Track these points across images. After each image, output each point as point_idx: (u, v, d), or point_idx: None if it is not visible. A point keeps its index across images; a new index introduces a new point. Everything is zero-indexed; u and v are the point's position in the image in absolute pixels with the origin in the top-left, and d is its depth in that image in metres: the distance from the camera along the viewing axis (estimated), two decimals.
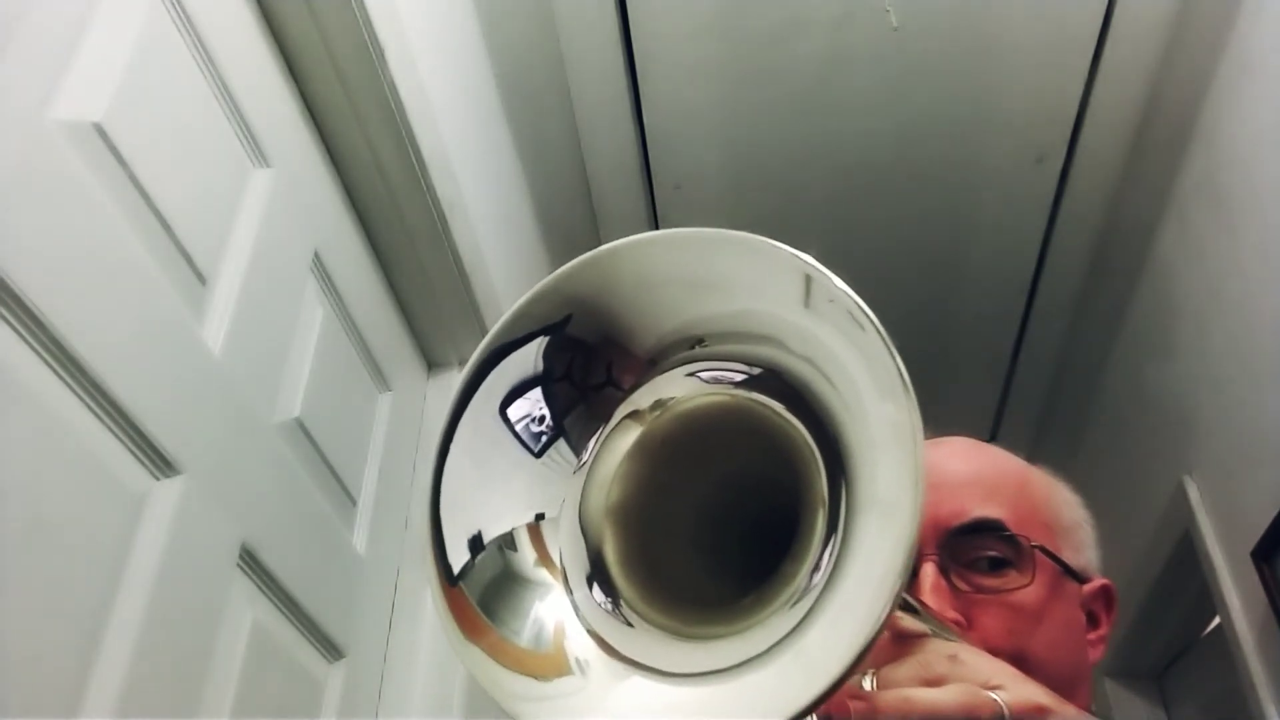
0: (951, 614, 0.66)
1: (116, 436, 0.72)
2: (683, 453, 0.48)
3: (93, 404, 0.69)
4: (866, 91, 1.78)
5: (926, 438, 0.38)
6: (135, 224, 0.76)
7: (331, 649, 1.05)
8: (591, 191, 1.96)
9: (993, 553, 0.70)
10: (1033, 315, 2.24)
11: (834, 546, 0.40)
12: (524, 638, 0.44)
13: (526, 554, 0.46)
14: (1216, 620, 1.86)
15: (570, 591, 0.45)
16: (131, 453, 0.73)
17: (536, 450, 0.47)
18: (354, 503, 1.16)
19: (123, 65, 0.76)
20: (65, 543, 0.65)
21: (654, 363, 0.47)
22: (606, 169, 1.92)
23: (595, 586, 0.46)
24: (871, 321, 0.39)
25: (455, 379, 1.46)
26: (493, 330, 0.46)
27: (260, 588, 0.91)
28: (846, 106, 1.81)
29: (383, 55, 1.08)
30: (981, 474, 0.74)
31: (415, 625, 1.21)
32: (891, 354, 0.38)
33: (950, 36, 1.69)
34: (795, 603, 0.40)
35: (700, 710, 0.40)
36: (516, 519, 0.46)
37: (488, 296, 1.41)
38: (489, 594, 0.45)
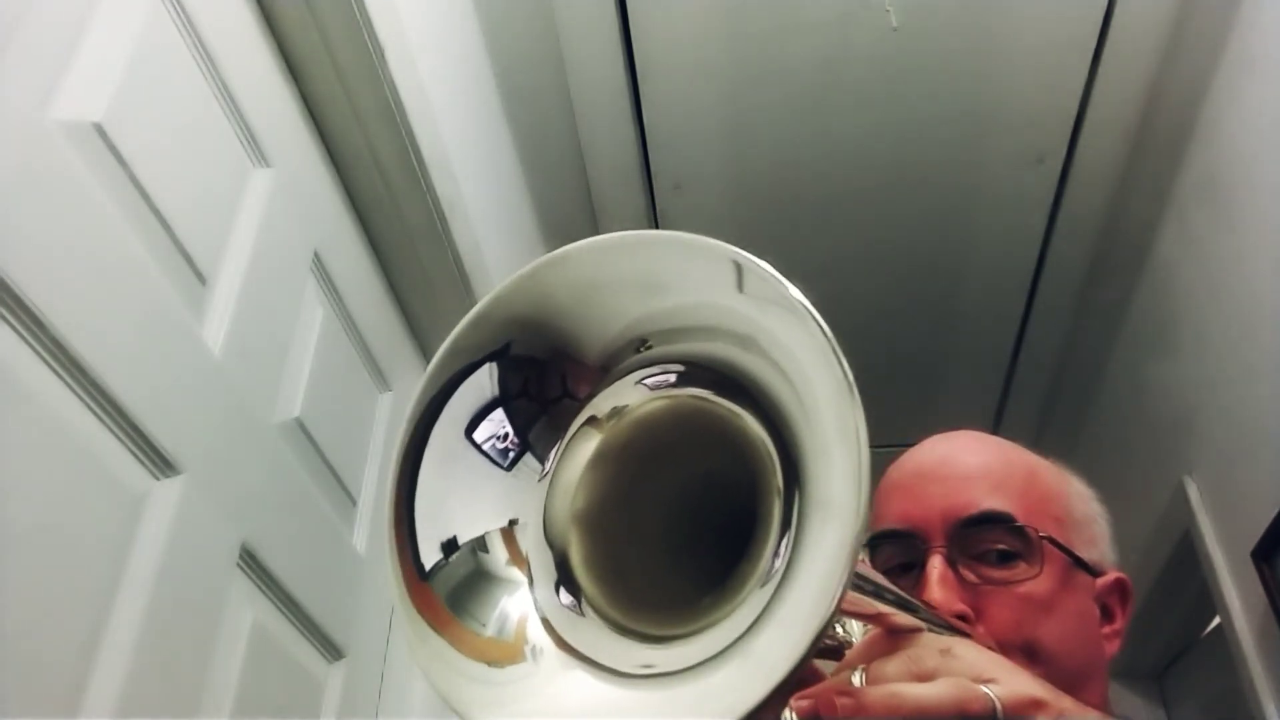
0: (960, 606, 0.66)
1: (116, 436, 0.72)
2: (642, 457, 0.49)
3: (93, 404, 0.69)
4: (866, 91, 1.78)
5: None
6: (135, 224, 0.76)
7: (331, 649, 1.05)
8: (591, 191, 1.96)
9: (1001, 545, 0.69)
10: (1033, 315, 2.24)
11: (787, 546, 0.40)
12: (489, 629, 0.45)
13: (499, 554, 0.47)
14: (1216, 620, 1.86)
15: (533, 588, 0.46)
16: (131, 453, 0.73)
17: (506, 465, 0.48)
18: (354, 503, 1.16)
19: (123, 65, 0.76)
20: (65, 543, 0.65)
21: (606, 369, 0.48)
22: (606, 169, 1.92)
23: (561, 588, 0.47)
24: (810, 313, 0.39)
25: None
26: (432, 363, 0.47)
27: (260, 588, 0.91)
28: (846, 106, 1.81)
29: (383, 55, 1.08)
30: (990, 466, 0.74)
31: None
32: (834, 348, 0.38)
33: (950, 36, 1.69)
34: (748, 603, 0.40)
35: (644, 710, 0.41)
36: (490, 524, 0.47)
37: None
38: (459, 590, 0.46)
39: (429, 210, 1.23)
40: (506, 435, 0.48)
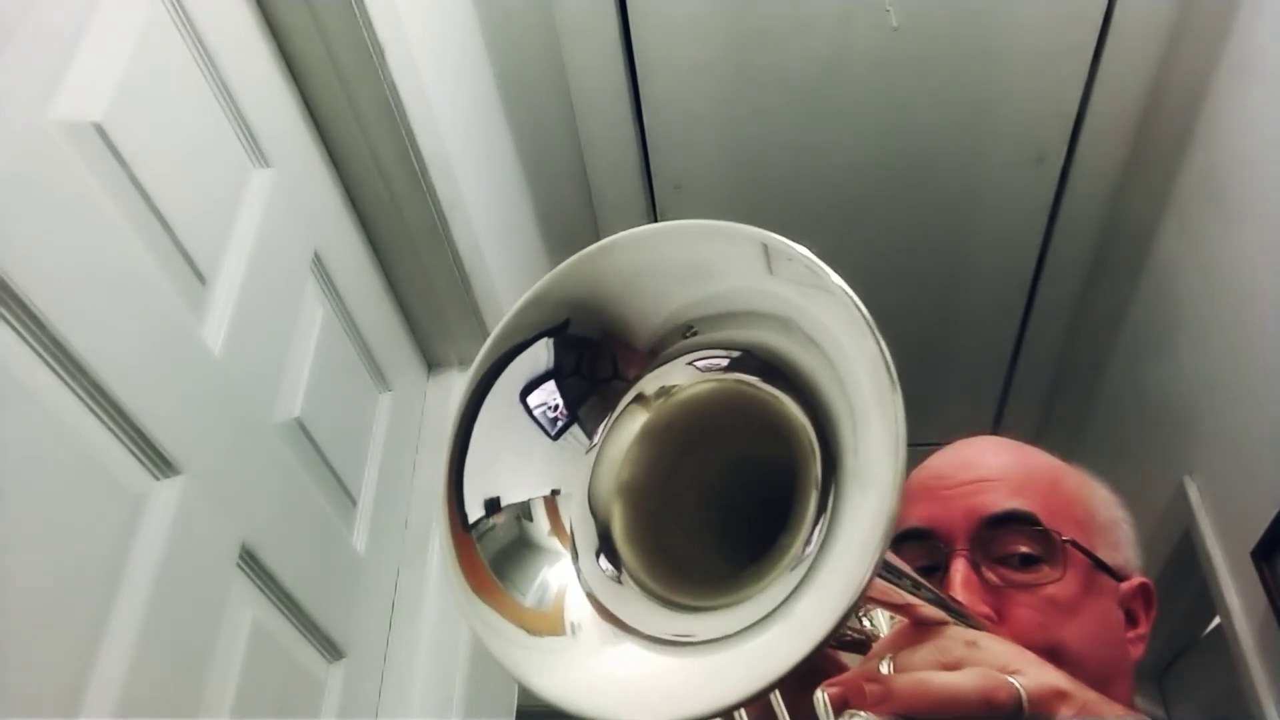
0: (983, 609, 0.66)
1: (116, 436, 0.72)
2: (686, 436, 0.51)
3: (93, 404, 0.69)
4: (866, 91, 1.78)
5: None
6: (135, 224, 0.76)
7: (331, 649, 1.05)
8: (591, 191, 1.96)
9: (1024, 548, 0.69)
10: (1033, 315, 2.24)
11: (824, 520, 0.41)
12: (528, 598, 0.46)
13: (541, 523, 0.49)
14: (1216, 620, 1.86)
15: (577, 559, 0.48)
16: (131, 453, 0.73)
17: (553, 433, 0.50)
18: (354, 503, 1.16)
19: (123, 65, 0.76)
20: (65, 543, 0.65)
21: (654, 353, 0.49)
22: (606, 169, 1.92)
23: (602, 557, 0.48)
24: (843, 289, 0.41)
25: (455, 379, 1.46)
26: (494, 332, 0.49)
27: (260, 588, 0.91)
28: (846, 106, 1.81)
29: (383, 55, 1.08)
30: (1013, 469, 0.74)
31: (415, 625, 1.21)
32: (868, 322, 0.40)
33: (950, 37, 1.69)
34: (789, 573, 0.41)
35: (683, 677, 0.42)
36: (534, 491, 0.49)
37: (488, 296, 1.41)
38: (501, 557, 0.47)
39: (429, 211, 1.23)
40: (557, 406, 0.50)
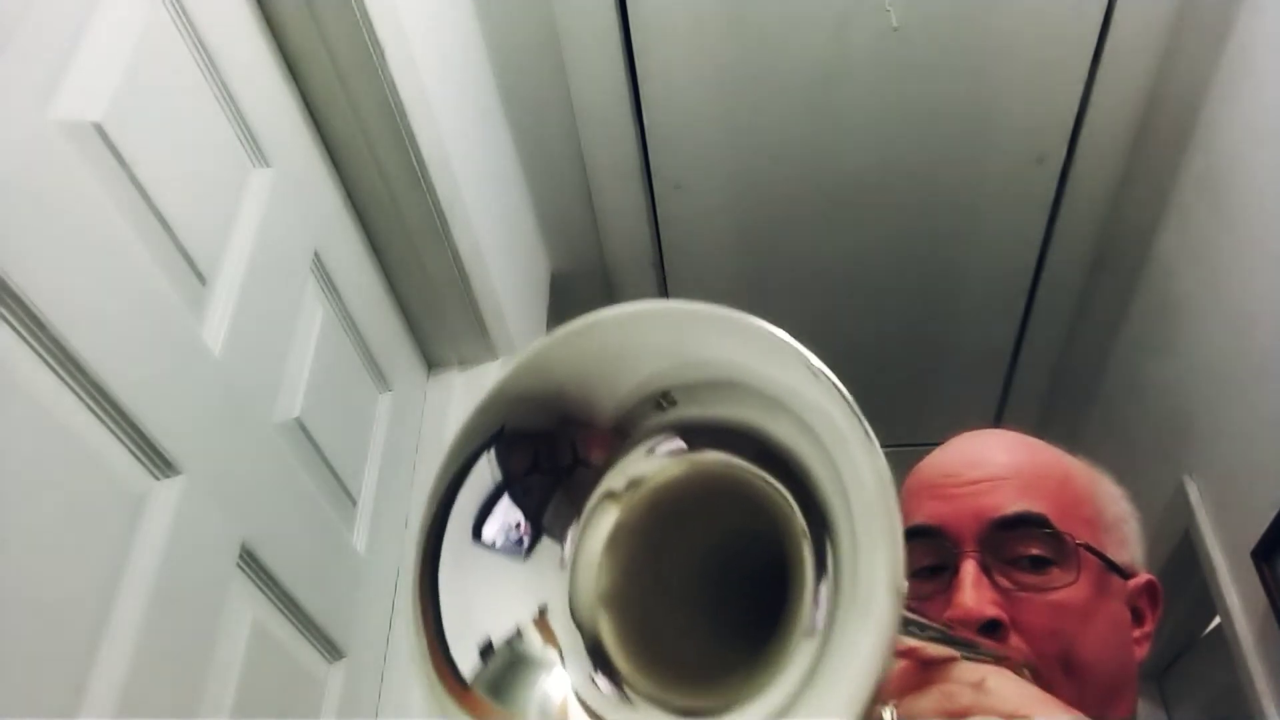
0: (992, 611, 0.64)
1: (116, 436, 0.72)
2: (664, 527, 0.47)
3: (93, 404, 0.69)
4: (866, 91, 1.78)
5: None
6: (135, 224, 0.76)
7: (331, 649, 1.05)
8: (591, 191, 1.96)
9: (1035, 551, 0.67)
10: (1033, 315, 2.24)
11: (825, 603, 0.38)
12: (530, 716, 0.43)
13: (533, 640, 0.45)
14: (1216, 620, 1.85)
15: (570, 674, 0.44)
16: (131, 453, 0.73)
17: (523, 554, 0.46)
18: (354, 503, 1.16)
19: (123, 65, 0.76)
20: (65, 543, 0.65)
21: (622, 432, 0.45)
22: (606, 169, 1.92)
23: (598, 672, 0.45)
24: (841, 394, 0.37)
25: (456, 379, 1.46)
26: (440, 466, 0.45)
27: (260, 588, 0.91)
28: (846, 106, 1.81)
29: (383, 55, 1.08)
30: (1023, 467, 0.72)
31: None
32: (862, 425, 0.36)
33: (950, 37, 1.69)
34: (789, 670, 0.39)
35: None
36: (521, 615, 0.46)
37: (488, 296, 1.41)
38: (497, 679, 0.44)
39: (429, 210, 1.23)
40: (518, 524, 0.46)
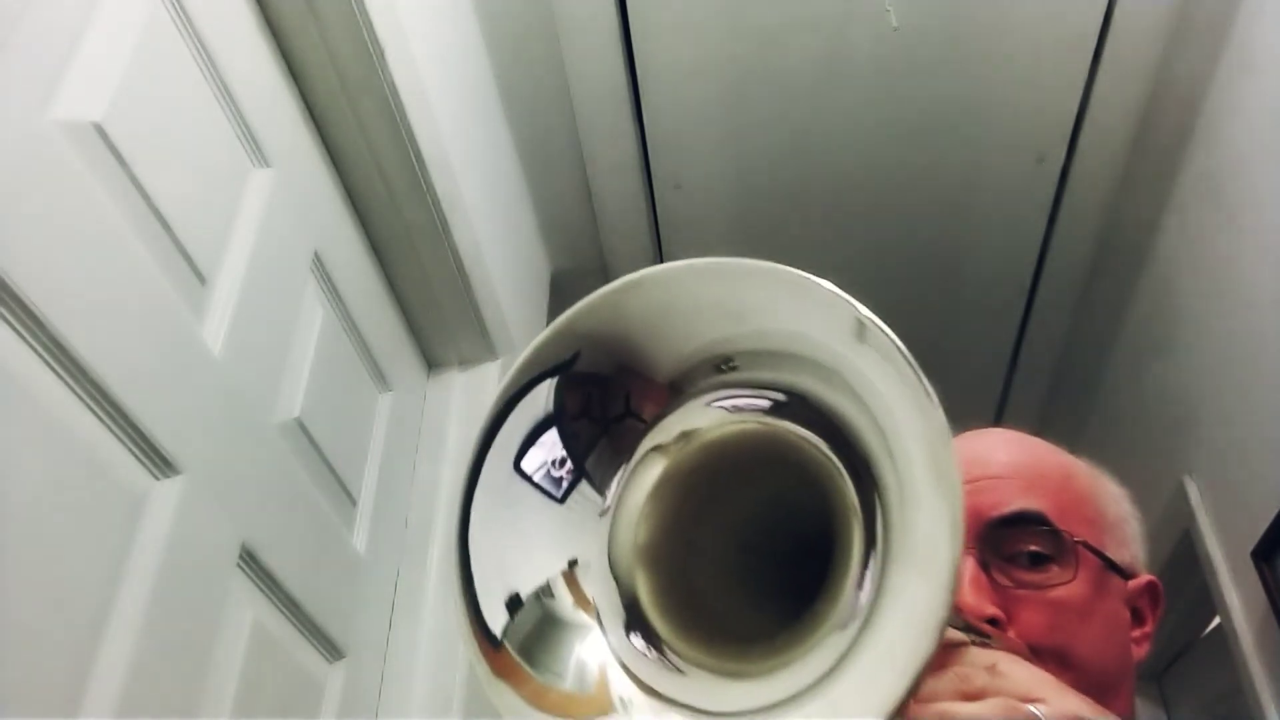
0: (990, 610, 0.65)
1: (116, 436, 0.72)
2: (711, 485, 0.47)
3: (93, 404, 0.69)
4: (866, 91, 1.78)
5: (960, 430, 0.37)
6: (135, 224, 0.76)
7: (331, 649, 1.05)
8: (591, 191, 1.96)
9: (1034, 547, 0.68)
10: (1033, 315, 2.24)
11: (870, 585, 0.39)
12: (567, 681, 0.43)
13: (564, 598, 0.45)
14: (1216, 620, 1.85)
15: (607, 633, 0.44)
16: (131, 453, 0.73)
17: (560, 496, 0.46)
18: (354, 503, 1.16)
19: (123, 65, 0.76)
20: (65, 543, 0.65)
21: (678, 389, 0.45)
22: (606, 169, 1.92)
23: (633, 628, 0.44)
24: (907, 360, 0.38)
25: (456, 379, 1.46)
26: (502, 384, 0.45)
27: (260, 588, 0.91)
28: (846, 106, 1.81)
29: (383, 55, 1.08)
30: (1023, 466, 0.72)
31: (415, 625, 1.21)
32: (929, 394, 0.37)
33: (950, 37, 1.69)
34: (828, 642, 0.39)
35: None
36: (551, 569, 0.45)
37: (488, 296, 1.41)
38: (530, 642, 0.44)
39: (429, 210, 1.23)
40: (561, 461, 0.45)
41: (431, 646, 1.20)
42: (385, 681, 1.16)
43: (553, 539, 0.45)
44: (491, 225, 1.50)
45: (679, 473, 0.46)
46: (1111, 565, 0.71)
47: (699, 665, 0.43)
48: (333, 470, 1.09)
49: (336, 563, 1.08)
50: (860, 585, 0.39)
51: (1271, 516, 1.43)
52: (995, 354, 2.36)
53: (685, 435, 0.45)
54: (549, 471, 0.45)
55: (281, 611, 0.95)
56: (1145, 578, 0.75)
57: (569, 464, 0.45)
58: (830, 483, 0.42)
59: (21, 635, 0.60)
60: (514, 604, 0.44)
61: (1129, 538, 0.75)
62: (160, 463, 0.76)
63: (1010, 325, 2.28)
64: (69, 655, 0.65)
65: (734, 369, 0.44)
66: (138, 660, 0.70)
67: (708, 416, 0.45)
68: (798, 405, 0.43)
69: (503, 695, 0.42)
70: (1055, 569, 0.68)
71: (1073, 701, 0.49)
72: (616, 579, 0.45)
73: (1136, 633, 0.73)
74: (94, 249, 0.71)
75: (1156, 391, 1.93)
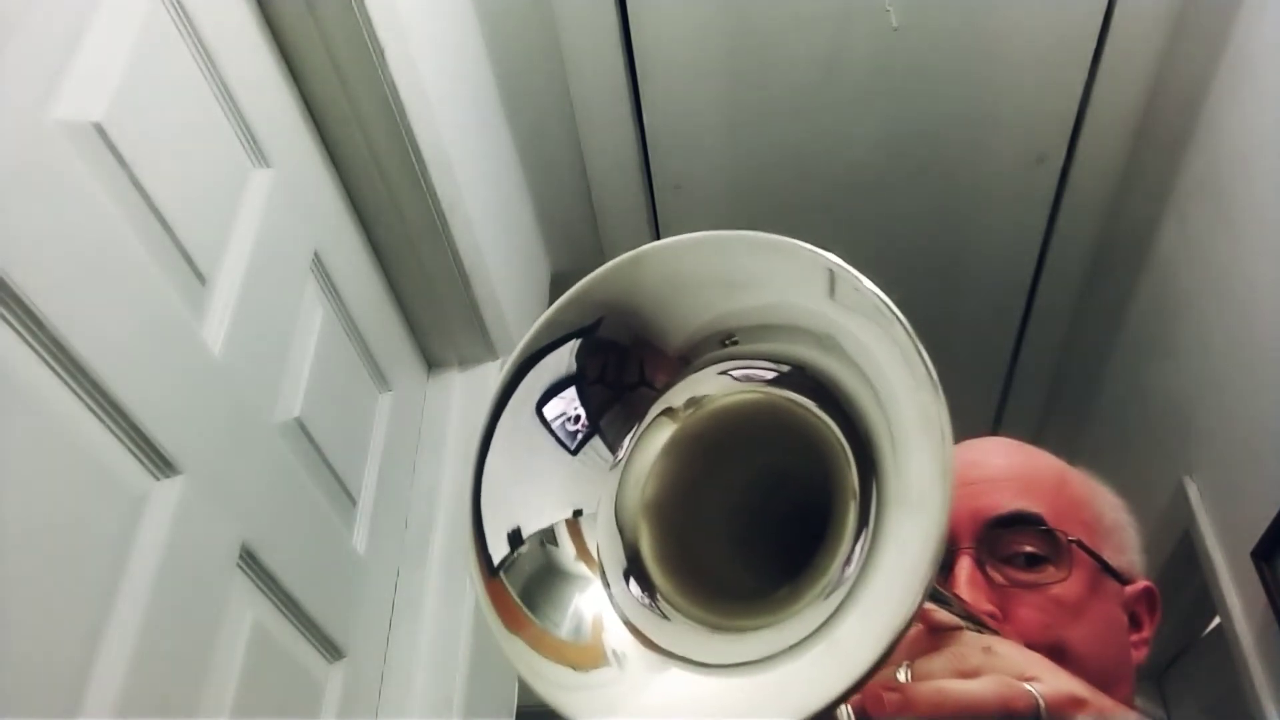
0: (987, 606, 0.66)
1: (116, 436, 0.72)
2: (716, 449, 0.49)
3: (93, 404, 0.69)
4: (866, 92, 1.78)
5: (960, 438, 0.38)
6: (135, 224, 0.76)
7: (331, 649, 1.05)
8: (591, 191, 1.96)
9: (1029, 548, 0.69)
10: (1033, 315, 2.24)
11: (865, 540, 0.40)
12: (564, 629, 0.45)
13: (566, 548, 0.47)
14: (1216, 620, 1.86)
15: (608, 585, 0.46)
16: (131, 453, 0.73)
17: (573, 448, 0.48)
18: (354, 503, 1.16)
19: (123, 65, 0.76)
20: (65, 543, 0.65)
21: (686, 361, 0.48)
22: (606, 169, 1.92)
23: (632, 580, 0.46)
24: (896, 316, 0.40)
25: (455, 379, 1.46)
26: (526, 336, 0.47)
27: (260, 588, 0.91)
28: (846, 106, 1.81)
29: (383, 55, 1.08)
30: (1020, 469, 0.74)
31: (415, 625, 1.21)
32: (917, 348, 0.39)
33: (950, 36, 1.69)
34: (828, 595, 0.41)
35: (733, 700, 0.41)
36: (555, 514, 0.47)
37: (488, 296, 1.41)
38: (530, 587, 0.46)
39: (429, 211, 1.23)
40: (577, 417, 0.48)
41: (431, 646, 1.20)
42: (385, 681, 1.16)
43: (562, 487, 0.47)
44: (491, 225, 1.50)
45: (687, 437, 0.48)
46: (1107, 568, 0.72)
47: (693, 619, 0.45)
48: (333, 470, 1.09)
49: (336, 563, 1.08)
50: (855, 545, 0.41)
51: (1271, 516, 1.43)
52: (995, 354, 2.36)
53: (694, 401, 0.48)
54: (565, 424, 0.48)
55: (281, 611, 0.95)
56: (1142, 583, 0.76)
57: (584, 420, 0.48)
58: (828, 447, 0.44)
59: (21, 635, 0.60)
60: (515, 539, 0.46)
61: (1126, 544, 0.76)
62: (160, 463, 0.76)
63: (1010, 326, 2.28)
64: (69, 655, 0.65)
65: (735, 343, 0.46)
66: (138, 660, 0.70)
67: (716, 384, 0.48)
68: (796, 374, 0.46)
69: (489, 614, 0.44)
70: (1051, 569, 0.69)
71: (1067, 680, 0.50)
72: (621, 531, 0.47)
73: (1134, 638, 0.74)
74: (94, 249, 0.71)
75: (1156, 391, 1.93)
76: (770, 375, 0.47)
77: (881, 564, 0.39)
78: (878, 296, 0.40)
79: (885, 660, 0.36)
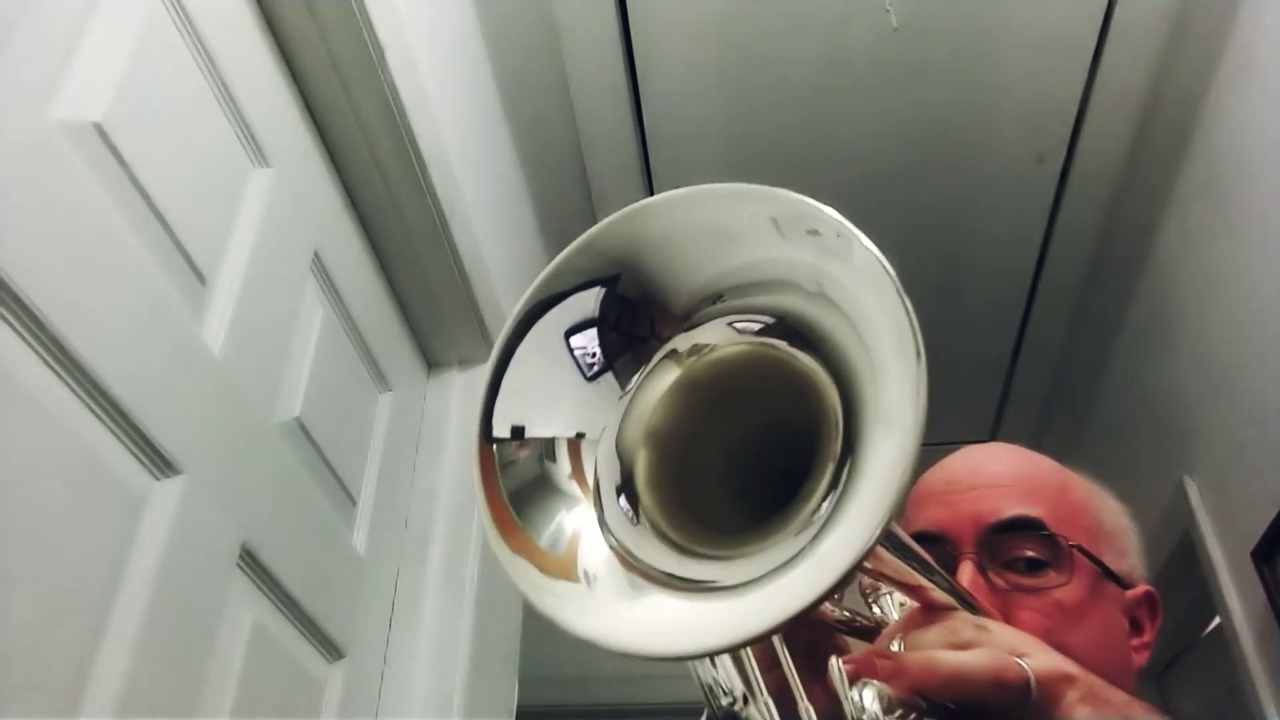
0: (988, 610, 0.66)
1: (116, 436, 0.72)
2: (716, 394, 0.52)
3: (93, 404, 0.69)
4: (866, 91, 1.78)
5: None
6: (135, 224, 0.76)
7: (331, 649, 1.05)
8: (591, 191, 1.96)
9: (1030, 553, 0.70)
10: (1033, 315, 2.24)
11: (848, 466, 0.42)
12: (542, 539, 0.47)
13: (563, 466, 0.50)
14: (1216, 620, 1.86)
15: (600, 508, 0.49)
16: (131, 453, 0.73)
17: (588, 375, 0.51)
18: (354, 503, 1.16)
19: (123, 65, 0.76)
20: (65, 543, 0.65)
21: (686, 318, 0.51)
22: (606, 169, 1.92)
23: (622, 497, 0.49)
24: (864, 245, 0.42)
25: (456, 379, 1.46)
26: (539, 278, 0.50)
27: (260, 588, 0.91)
28: (846, 106, 1.81)
29: (383, 55, 1.08)
30: (1021, 475, 0.74)
31: (415, 625, 1.21)
32: (886, 270, 0.41)
33: (950, 36, 1.69)
34: (806, 527, 0.42)
35: (715, 620, 0.42)
36: (560, 430, 0.50)
37: (488, 296, 1.41)
38: (521, 493, 0.48)
39: (429, 210, 1.23)
40: (595, 353, 0.51)
41: (431, 646, 1.20)
42: (385, 681, 1.16)
43: (571, 408, 0.51)
44: (491, 225, 1.50)
45: (689, 380, 0.51)
46: (1108, 572, 0.72)
47: (671, 542, 0.47)
48: (333, 470, 1.09)
49: (336, 563, 1.08)
50: (840, 472, 0.43)
51: (1271, 516, 1.43)
52: (995, 354, 2.36)
53: (697, 349, 0.51)
54: (584, 355, 0.51)
55: (281, 611, 0.95)
56: (1143, 588, 0.76)
57: (599, 356, 0.51)
58: (814, 388, 0.46)
59: (22, 635, 0.60)
60: (518, 432, 0.49)
61: (1127, 549, 0.76)
62: (160, 463, 0.76)
63: (1010, 325, 2.28)
64: (69, 655, 0.65)
65: (722, 300, 0.50)
66: (138, 660, 0.70)
67: (719, 334, 0.51)
68: (779, 325, 0.49)
69: (475, 474, 0.48)
70: (1051, 573, 0.69)
71: (1057, 658, 0.51)
72: (620, 454, 0.50)
73: (1135, 642, 0.75)
74: (94, 249, 0.71)
75: (1156, 391, 1.93)
76: (757, 327, 0.50)
77: (860, 481, 0.40)
78: (841, 226, 0.43)
79: (863, 560, 0.38)
